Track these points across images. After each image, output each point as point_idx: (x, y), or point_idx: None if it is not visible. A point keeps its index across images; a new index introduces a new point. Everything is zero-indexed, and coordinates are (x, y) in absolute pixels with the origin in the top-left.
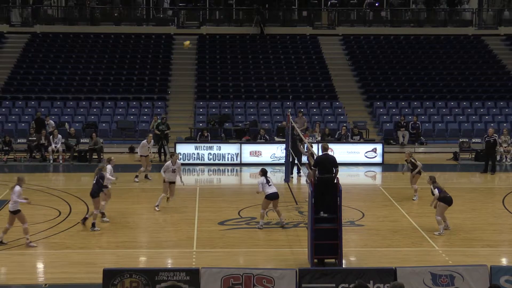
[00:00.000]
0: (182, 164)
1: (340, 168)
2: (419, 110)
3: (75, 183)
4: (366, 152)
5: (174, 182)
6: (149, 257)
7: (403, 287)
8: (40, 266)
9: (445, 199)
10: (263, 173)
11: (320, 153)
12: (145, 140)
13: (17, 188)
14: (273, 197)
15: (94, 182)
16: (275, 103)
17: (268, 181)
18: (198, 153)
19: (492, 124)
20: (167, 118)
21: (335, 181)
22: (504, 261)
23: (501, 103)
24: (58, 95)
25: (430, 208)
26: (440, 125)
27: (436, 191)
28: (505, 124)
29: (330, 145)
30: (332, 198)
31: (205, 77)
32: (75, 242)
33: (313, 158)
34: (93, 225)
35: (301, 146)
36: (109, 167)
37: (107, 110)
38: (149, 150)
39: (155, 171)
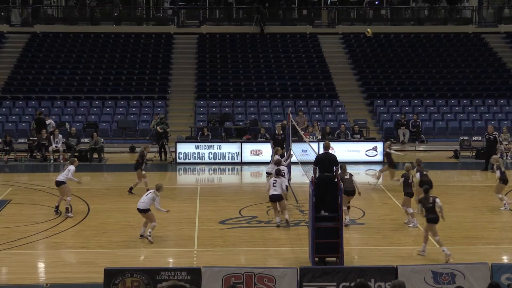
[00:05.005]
0: (182, 164)
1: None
2: (419, 108)
3: (76, 183)
4: (366, 151)
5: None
6: (150, 257)
7: (404, 285)
8: (41, 265)
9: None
10: (276, 173)
11: (321, 152)
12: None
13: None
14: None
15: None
16: (276, 102)
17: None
18: (198, 152)
19: (492, 122)
20: (166, 117)
21: (336, 180)
22: (505, 259)
23: (502, 101)
24: (58, 94)
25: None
26: (440, 123)
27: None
28: (505, 122)
29: (331, 144)
30: (333, 197)
31: (205, 76)
32: (76, 242)
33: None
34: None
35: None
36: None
37: (108, 109)
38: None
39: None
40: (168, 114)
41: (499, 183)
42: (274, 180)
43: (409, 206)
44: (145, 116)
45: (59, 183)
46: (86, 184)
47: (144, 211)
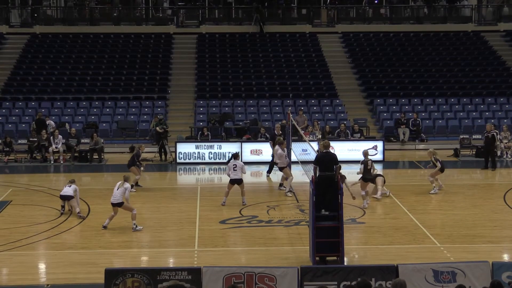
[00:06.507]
0: (182, 163)
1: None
2: (419, 107)
3: (76, 183)
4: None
5: None
6: (151, 257)
7: (405, 284)
8: (42, 266)
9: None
10: (234, 157)
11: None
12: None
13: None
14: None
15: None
16: (275, 101)
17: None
18: (198, 152)
19: (492, 120)
20: (165, 118)
21: (336, 179)
22: (505, 257)
23: (501, 99)
24: (58, 95)
25: (431, 205)
26: (440, 121)
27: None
28: (505, 120)
29: (331, 143)
30: (333, 196)
31: (205, 76)
32: (76, 242)
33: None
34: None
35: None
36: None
37: (108, 110)
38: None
39: None
40: (168, 114)
41: (438, 171)
42: (234, 164)
43: (364, 189)
44: (145, 116)
45: (68, 197)
46: (86, 185)
47: (118, 205)
